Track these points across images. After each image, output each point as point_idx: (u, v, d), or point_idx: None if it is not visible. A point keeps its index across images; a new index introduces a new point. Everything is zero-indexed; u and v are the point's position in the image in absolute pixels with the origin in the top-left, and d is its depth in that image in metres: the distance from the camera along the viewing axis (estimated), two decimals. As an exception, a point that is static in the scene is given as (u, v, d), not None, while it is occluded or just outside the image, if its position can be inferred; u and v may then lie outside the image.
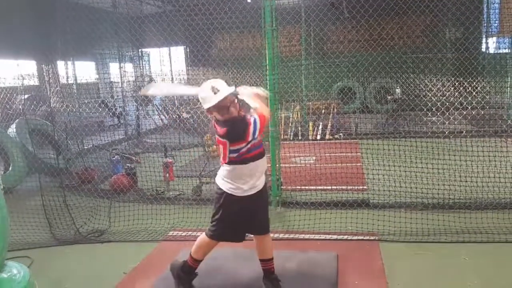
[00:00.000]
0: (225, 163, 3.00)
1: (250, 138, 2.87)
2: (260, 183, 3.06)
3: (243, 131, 2.85)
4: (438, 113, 7.60)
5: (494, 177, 4.96)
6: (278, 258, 3.47)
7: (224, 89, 2.87)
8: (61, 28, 9.44)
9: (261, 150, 3.04)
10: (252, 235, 3.24)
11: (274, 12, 4.96)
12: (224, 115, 2.90)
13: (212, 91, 2.85)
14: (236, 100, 2.92)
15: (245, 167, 2.95)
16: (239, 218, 3.08)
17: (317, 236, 4.33)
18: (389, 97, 11.38)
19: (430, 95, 9.15)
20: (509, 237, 4.02)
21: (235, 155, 2.92)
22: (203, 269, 3.39)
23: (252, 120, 2.86)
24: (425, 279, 3.44)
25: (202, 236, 3.21)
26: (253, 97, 2.98)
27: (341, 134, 9.54)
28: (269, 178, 5.37)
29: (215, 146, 6.00)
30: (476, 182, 4.93)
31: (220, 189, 3.06)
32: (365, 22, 6.25)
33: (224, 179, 3.04)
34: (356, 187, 5.65)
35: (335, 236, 4.30)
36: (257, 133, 2.87)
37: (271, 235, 4.31)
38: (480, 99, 8.30)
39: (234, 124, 2.89)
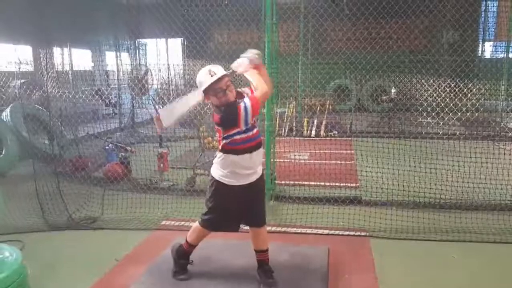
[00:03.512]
0: (220, 151, 3.00)
1: (242, 126, 2.83)
2: (254, 176, 3.03)
3: (235, 117, 2.82)
4: (433, 114, 7.66)
5: (485, 179, 5.03)
6: (271, 251, 3.49)
7: (221, 72, 2.88)
8: (58, 15, 9.34)
9: (258, 141, 3.01)
10: (247, 227, 3.22)
11: (274, 6, 4.95)
12: (221, 99, 2.87)
13: (209, 74, 2.86)
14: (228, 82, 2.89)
15: (238, 158, 2.92)
16: (230, 207, 3.05)
17: (309, 230, 4.36)
18: (384, 97, 11.43)
19: (426, 95, 9.20)
20: (497, 237, 4.09)
21: (228, 141, 2.90)
22: (196, 259, 3.40)
23: (242, 106, 2.81)
24: (413, 275, 3.49)
25: (197, 223, 3.23)
26: (250, 71, 2.96)
27: (335, 132, 9.56)
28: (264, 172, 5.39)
29: (210, 138, 6.01)
30: (467, 183, 4.99)
31: (212, 176, 3.06)
32: (364, 20, 6.25)
33: (217, 167, 3.03)
34: (349, 184, 5.70)
35: (327, 231, 4.34)
36: (249, 119, 2.83)
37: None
38: (474, 102, 8.37)
39: (227, 110, 2.87)
